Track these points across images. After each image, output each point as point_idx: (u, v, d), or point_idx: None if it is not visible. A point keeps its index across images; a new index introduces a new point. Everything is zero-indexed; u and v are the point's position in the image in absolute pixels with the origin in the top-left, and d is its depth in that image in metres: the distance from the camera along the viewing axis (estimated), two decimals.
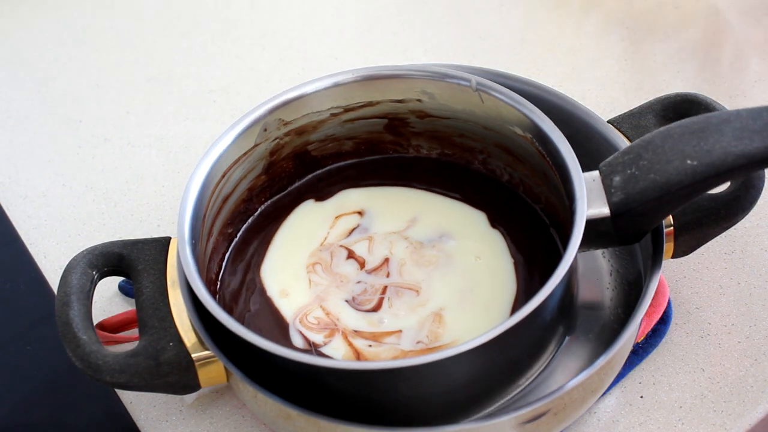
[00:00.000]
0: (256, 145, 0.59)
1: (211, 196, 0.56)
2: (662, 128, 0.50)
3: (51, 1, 0.91)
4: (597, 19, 0.83)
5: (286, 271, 0.59)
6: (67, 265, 0.53)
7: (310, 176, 0.64)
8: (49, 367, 0.60)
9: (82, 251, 0.54)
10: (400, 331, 0.55)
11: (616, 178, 0.51)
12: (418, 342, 0.54)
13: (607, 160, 0.52)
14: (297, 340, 0.55)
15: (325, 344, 0.55)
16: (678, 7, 0.83)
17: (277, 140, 0.60)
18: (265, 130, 0.59)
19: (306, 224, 0.62)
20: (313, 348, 0.55)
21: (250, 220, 0.62)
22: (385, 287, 0.57)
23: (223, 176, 0.57)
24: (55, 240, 0.69)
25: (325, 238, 0.60)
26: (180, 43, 0.85)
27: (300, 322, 0.56)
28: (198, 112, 0.78)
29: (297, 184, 0.64)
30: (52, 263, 0.67)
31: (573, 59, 0.79)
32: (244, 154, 0.59)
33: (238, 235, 0.61)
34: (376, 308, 0.56)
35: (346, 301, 0.57)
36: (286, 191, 0.64)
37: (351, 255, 0.59)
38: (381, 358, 0.54)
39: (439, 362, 0.46)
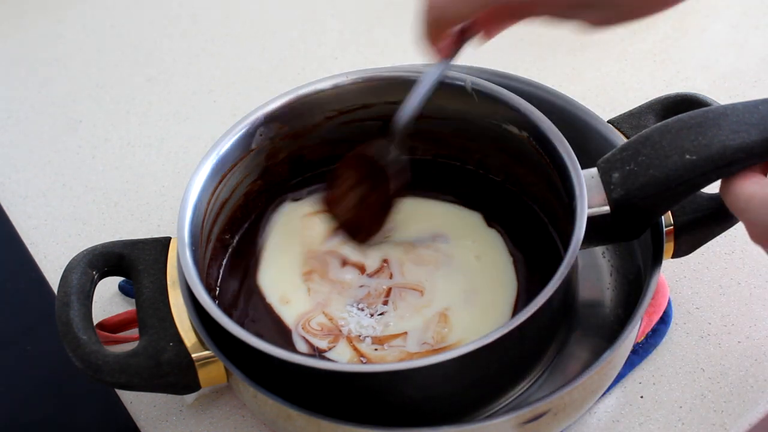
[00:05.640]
0: (252, 150, 0.59)
1: (209, 201, 0.56)
2: (659, 124, 0.50)
3: (51, 1, 0.91)
4: None
5: (284, 279, 0.59)
6: (67, 265, 0.53)
7: (305, 184, 0.64)
8: (49, 367, 0.60)
9: (82, 251, 0.54)
10: (406, 333, 0.55)
11: (615, 175, 0.51)
12: (423, 343, 0.54)
13: (605, 156, 0.52)
14: (301, 346, 0.55)
15: (330, 349, 0.55)
16: (677, 8, 0.83)
17: (273, 144, 0.60)
18: (261, 134, 0.59)
19: (290, 227, 0.61)
20: (317, 353, 0.54)
21: (246, 227, 0.62)
22: (389, 289, 0.57)
23: (221, 181, 0.57)
24: (55, 240, 0.69)
25: (312, 243, 0.60)
26: (180, 43, 0.85)
27: (303, 328, 0.56)
28: (198, 112, 0.78)
29: (292, 192, 0.64)
30: (52, 263, 0.67)
31: (573, 59, 0.79)
32: (241, 158, 0.59)
33: (235, 242, 0.61)
34: (381, 311, 0.56)
35: (350, 306, 0.57)
36: (280, 198, 0.63)
37: (346, 262, 0.59)
38: (387, 360, 0.54)
39: (442, 364, 0.46)
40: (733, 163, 0.47)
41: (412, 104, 0.55)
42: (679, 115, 0.50)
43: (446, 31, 0.52)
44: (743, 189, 0.46)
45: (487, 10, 0.49)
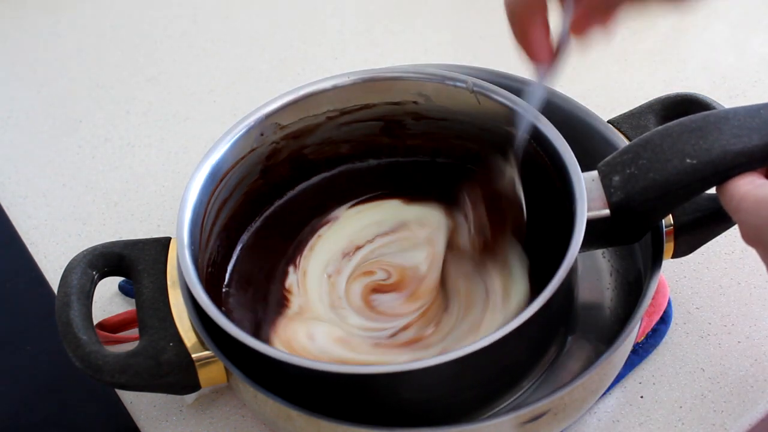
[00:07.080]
0: (252, 150, 0.59)
1: (209, 201, 0.56)
2: (660, 127, 0.50)
3: (51, 1, 0.91)
4: None
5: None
6: (67, 266, 0.53)
7: (306, 185, 0.64)
8: (49, 367, 0.60)
9: (82, 251, 0.54)
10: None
11: (616, 178, 0.50)
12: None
13: (606, 159, 0.52)
14: None
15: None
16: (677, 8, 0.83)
17: (274, 144, 0.60)
18: (262, 134, 0.59)
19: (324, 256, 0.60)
20: None
21: (249, 228, 0.62)
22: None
23: (221, 181, 0.57)
24: (55, 240, 0.69)
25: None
26: (180, 43, 0.85)
27: None
28: (198, 112, 0.78)
29: (293, 194, 0.64)
30: (52, 263, 0.67)
31: (573, 59, 0.79)
32: (241, 158, 0.58)
33: (238, 243, 0.61)
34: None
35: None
36: (282, 200, 0.63)
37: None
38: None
39: (442, 365, 0.46)
40: (734, 167, 0.47)
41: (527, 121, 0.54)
42: (681, 119, 0.50)
43: (535, 26, 0.49)
44: (737, 189, 0.46)
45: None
